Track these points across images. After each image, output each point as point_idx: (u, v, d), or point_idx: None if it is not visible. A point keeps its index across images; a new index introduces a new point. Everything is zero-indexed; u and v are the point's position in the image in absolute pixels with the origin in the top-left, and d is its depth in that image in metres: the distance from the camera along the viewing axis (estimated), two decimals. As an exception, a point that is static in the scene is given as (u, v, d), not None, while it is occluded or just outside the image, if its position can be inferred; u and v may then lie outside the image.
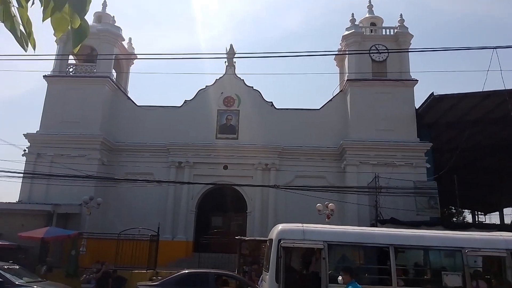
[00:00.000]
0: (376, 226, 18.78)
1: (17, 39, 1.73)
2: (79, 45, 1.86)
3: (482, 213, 48.09)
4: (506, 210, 42.17)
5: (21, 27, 1.74)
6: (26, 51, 1.88)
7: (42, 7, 1.71)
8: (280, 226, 9.74)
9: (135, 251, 18.22)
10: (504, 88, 13.64)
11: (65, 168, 20.65)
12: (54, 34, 1.85)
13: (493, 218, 45.72)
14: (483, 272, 9.61)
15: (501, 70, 10.49)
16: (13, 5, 1.69)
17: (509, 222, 37.17)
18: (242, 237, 17.90)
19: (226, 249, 20.14)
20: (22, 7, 1.69)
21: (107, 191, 23.30)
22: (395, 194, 19.96)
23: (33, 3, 1.76)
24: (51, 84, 25.14)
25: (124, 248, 18.39)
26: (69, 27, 1.79)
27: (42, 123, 24.39)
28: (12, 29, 1.70)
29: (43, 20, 1.72)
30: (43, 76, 25.16)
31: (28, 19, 1.72)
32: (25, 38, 1.75)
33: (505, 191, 34.41)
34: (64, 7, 1.67)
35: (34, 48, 1.84)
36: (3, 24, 1.74)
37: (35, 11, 1.84)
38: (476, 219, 47.23)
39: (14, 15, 1.70)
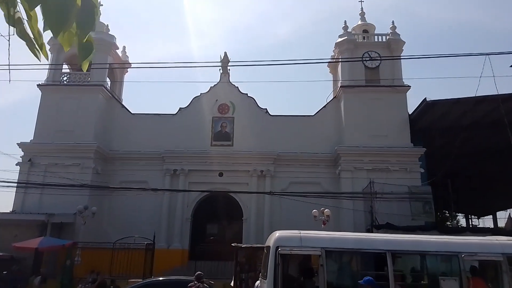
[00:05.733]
0: (372, 232, 18.81)
1: (30, 47, 1.75)
2: (87, 61, 1.86)
3: (476, 217, 48.28)
4: (500, 214, 42.41)
5: (32, 37, 1.76)
6: (40, 61, 1.91)
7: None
8: (277, 233, 9.71)
9: (130, 260, 18.12)
10: (497, 94, 13.77)
11: (59, 177, 20.53)
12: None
13: (487, 221, 45.96)
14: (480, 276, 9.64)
15: (494, 76, 10.61)
16: (23, 19, 1.70)
17: (503, 226, 37.42)
18: (238, 245, 17.77)
19: (222, 257, 20.03)
20: (30, 19, 1.71)
21: (101, 200, 23.17)
22: (390, 199, 20.05)
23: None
24: (45, 93, 25.03)
25: (120, 258, 18.30)
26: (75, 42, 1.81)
27: (36, 132, 24.21)
28: (23, 36, 1.72)
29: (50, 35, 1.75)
30: (37, 85, 25.03)
31: (38, 30, 1.74)
32: (37, 48, 1.77)
33: (498, 194, 34.62)
34: (72, 25, 1.69)
35: (46, 58, 1.87)
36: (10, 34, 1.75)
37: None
38: (470, 223, 47.44)
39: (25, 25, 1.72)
